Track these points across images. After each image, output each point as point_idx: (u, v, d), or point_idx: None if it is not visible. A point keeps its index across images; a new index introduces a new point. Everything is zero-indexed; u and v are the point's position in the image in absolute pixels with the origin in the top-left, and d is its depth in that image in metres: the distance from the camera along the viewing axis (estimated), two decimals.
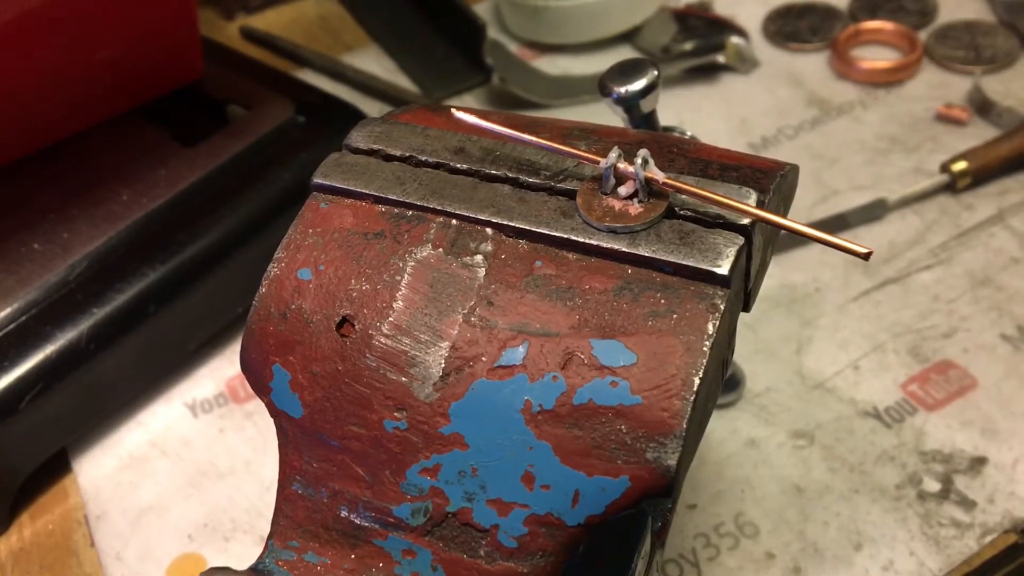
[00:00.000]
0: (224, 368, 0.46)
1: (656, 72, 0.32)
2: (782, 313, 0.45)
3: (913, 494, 0.38)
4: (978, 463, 0.38)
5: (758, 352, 0.43)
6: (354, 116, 0.49)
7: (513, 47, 0.61)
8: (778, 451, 0.40)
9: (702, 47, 0.58)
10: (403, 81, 0.60)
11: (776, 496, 0.38)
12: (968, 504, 0.37)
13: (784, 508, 0.38)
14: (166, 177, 0.46)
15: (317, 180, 0.27)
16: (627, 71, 0.33)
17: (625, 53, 0.60)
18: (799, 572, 0.36)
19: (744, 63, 0.58)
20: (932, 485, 0.38)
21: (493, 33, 0.59)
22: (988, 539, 0.36)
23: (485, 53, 0.56)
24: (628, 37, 0.60)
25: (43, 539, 0.40)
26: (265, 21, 0.66)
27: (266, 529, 0.40)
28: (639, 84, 0.32)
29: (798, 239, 0.47)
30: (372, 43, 0.64)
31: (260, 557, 0.25)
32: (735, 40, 0.57)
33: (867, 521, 0.37)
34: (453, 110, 0.26)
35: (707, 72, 0.58)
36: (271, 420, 0.43)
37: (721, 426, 0.41)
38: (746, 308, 0.26)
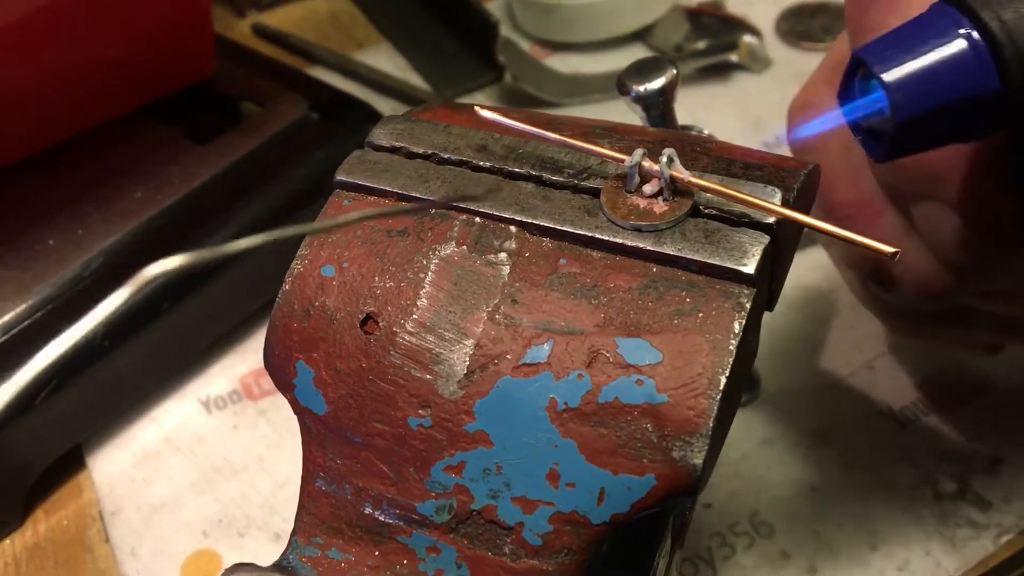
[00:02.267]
0: (237, 365, 0.46)
1: (675, 71, 0.32)
2: (796, 313, 0.45)
3: (929, 494, 0.38)
4: (994, 463, 0.38)
5: (773, 352, 0.43)
6: (368, 114, 0.49)
7: (525, 45, 0.61)
8: (793, 451, 0.40)
9: (715, 46, 0.58)
10: (415, 78, 0.60)
11: (791, 496, 0.38)
12: (984, 504, 0.37)
13: (799, 508, 0.38)
14: (180, 174, 0.46)
15: (340, 177, 0.27)
16: (645, 69, 0.32)
17: (637, 52, 0.60)
18: (815, 572, 0.36)
19: (757, 62, 0.57)
20: (948, 485, 0.38)
21: (505, 31, 0.59)
22: (1004, 539, 0.36)
23: (497, 51, 0.56)
24: (640, 36, 0.60)
25: (57, 535, 0.40)
26: (276, 18, 0.66)
27: (280, 526, 0.40)
28: (658, 83, 0.32)
29: (812, 238, 0.47)
30: (383, 40, 0.64)
31: (284, 553, 0.25)
32: (748, 39, 0.57)
33: (883, 521, 0.37)
34: (476, 108, 0.26)
35: (720, 71, 0.58)
36: (285, 417, 0.44)
37: (736, 426, 0.40)
38: (769, 307, 0.26)
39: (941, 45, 0.22)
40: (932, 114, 0.22)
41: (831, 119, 0.24)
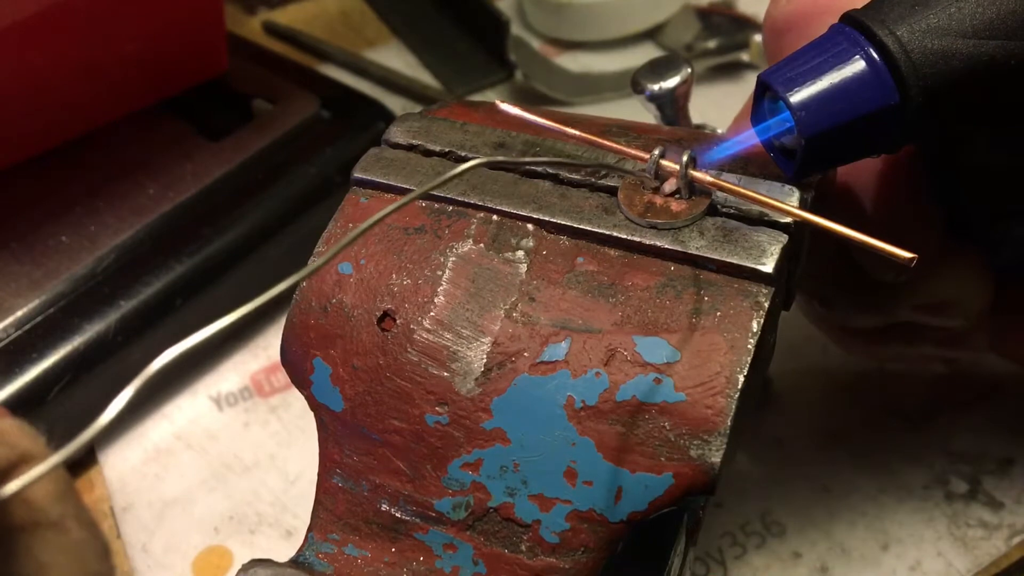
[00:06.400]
0: (248, 362, 0.46)
1: (690, 69, 0.32)
2: None
3: (940, 494, 0.38)
4: (1006, 464, 0.38)
5: (784, 352, 0.43)
6: (379, 112, 0.49)
7: (535, 43, 0.61)
8: (804, 450, 0.40)
9: (725, 45, 0.57)
10: (425, 77, 0.60)
11: (802, 495, 0.38)
12: (996, 505, 0.37)
13: (810, 507, 0.38)
14: (192, 171, 0.46)
15: (357, 175, 0.27)
16: (660, 68, 0.33)
17: (648, 51, 0.60)
18: (826, 571, 0.36)
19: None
20: (959, 486, 0.38)
21: (515, 29, 0.59)
22: (1016, 540, 0.36)
23: (508, 49, 0.56)
24: (651, 35, 0.60)
25: None
26: (287, 16, 0.66)
27: (291, 523, 0.40)
28: (673, 81, 0.32)
29: None
30: (394, 38, 0.64)
31: (300, 549, 0.25)
32: (759, 38, 0.57)
33: (894, 521, 0.37)
34: (497, 102, 0.26)
35: (731, 70, 0.58)
36: (296, 414, 0.44)
37: None
38: (786, 307, 0.26)
39: (841, 64, 0.22)
40: (838, 130, 0.22)
41: (745, 140, 0.24)
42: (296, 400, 0.43)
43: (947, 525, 0.37)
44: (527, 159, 0.25)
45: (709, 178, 0.24)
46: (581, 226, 0.25)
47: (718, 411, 0.22)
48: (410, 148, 0.27)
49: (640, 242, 0.24)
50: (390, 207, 0.20)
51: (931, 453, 0.39)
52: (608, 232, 0.24)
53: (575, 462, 0.23)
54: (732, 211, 0.24)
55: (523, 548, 0.23)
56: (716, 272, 0.23)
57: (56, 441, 0.43)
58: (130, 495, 0.41)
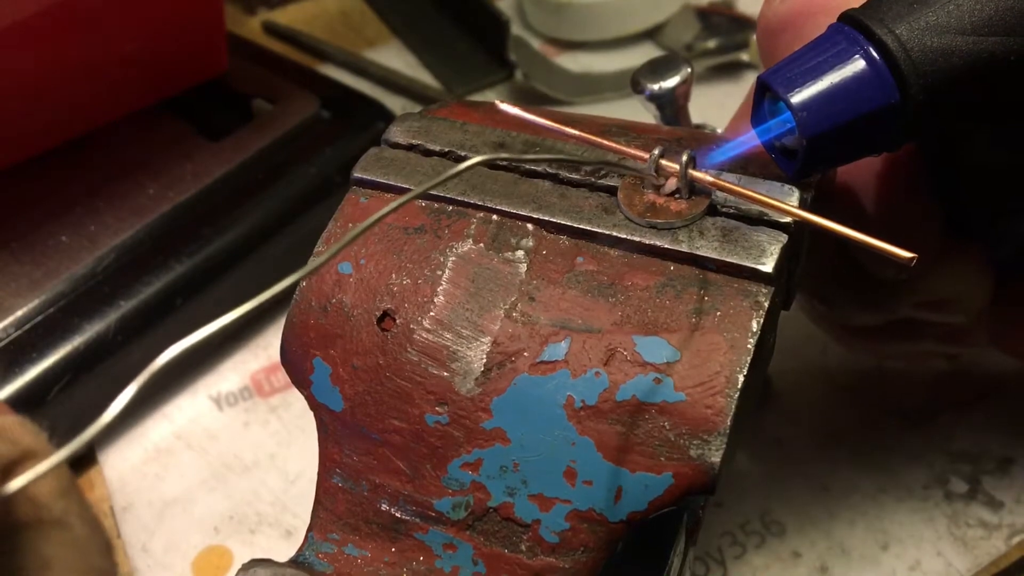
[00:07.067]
0: (248, 362, 0.46)
1: (689, 69, 0.32)
2: None
3: (940, 494, 0.38)
4: (1006, 463, 0.38)
5: (783, 352, 0.43)
6: (379, 112, 0.49)
7: (535, 43, 0.61)
8: (804, 450, 0.40)
9: (725, 45, 0.58)
10: (425, 76, 0.60)
11: (802, 495, 0.38)
12: (996, 505, 0.37)
13: (810, 507, 0.38)
14: (192, 171, 0.46)
15: (357, 174, 0.27)
16: (660, 68, 0.33)
17: (648, 50, 0.60)
18: (826, 571, 0.36)
19: None
20: (959, 485, 0.38)
21: (515, 29, 0.59)
22: (1016, 540, 0.36)
23: (508, 49, 0.56)
24: (650, 35, 0.60)
25: None
26: (286, 16, 0.66)
27: (291, 522, 0.40)
28: (672, 81, 0.32)
29: None
30: (394, 38, 0.64)
31: (300, 549, 0.25)
32: None
33: (894, 520, 0.37)
34: (497, 102, 0.26)
35: (730, 70, 0.58)
36: (295, 414, 0.44)
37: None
38: (786, 307, 0.26)
39: (841, 63, 0.22)
40: (839, 129, 0.23)
41: (745, 141, 0.24)
42: (296, 400, 0.43)
43: (947, 525, 0.37)
44: (527, 157, 0.25)
45: (709, 178, 0.24)
46: (581, 226, 0.25)
47: (718, 411, 0.22)
48: (410, 148, 0.27)
49: (640, 242, 0.24)
50: (389, 206, 0.20)
51: (931, 453, 0.39)
52: (608, 232, 0.24)
53: (575, 462, 0.23)
54: (732, 211, 0.24)
55: (523, 548, 0.23)
56: (716, 272, 0.23)
57: (57, 440, 0.43)
58: (130, 495, 0.41)
